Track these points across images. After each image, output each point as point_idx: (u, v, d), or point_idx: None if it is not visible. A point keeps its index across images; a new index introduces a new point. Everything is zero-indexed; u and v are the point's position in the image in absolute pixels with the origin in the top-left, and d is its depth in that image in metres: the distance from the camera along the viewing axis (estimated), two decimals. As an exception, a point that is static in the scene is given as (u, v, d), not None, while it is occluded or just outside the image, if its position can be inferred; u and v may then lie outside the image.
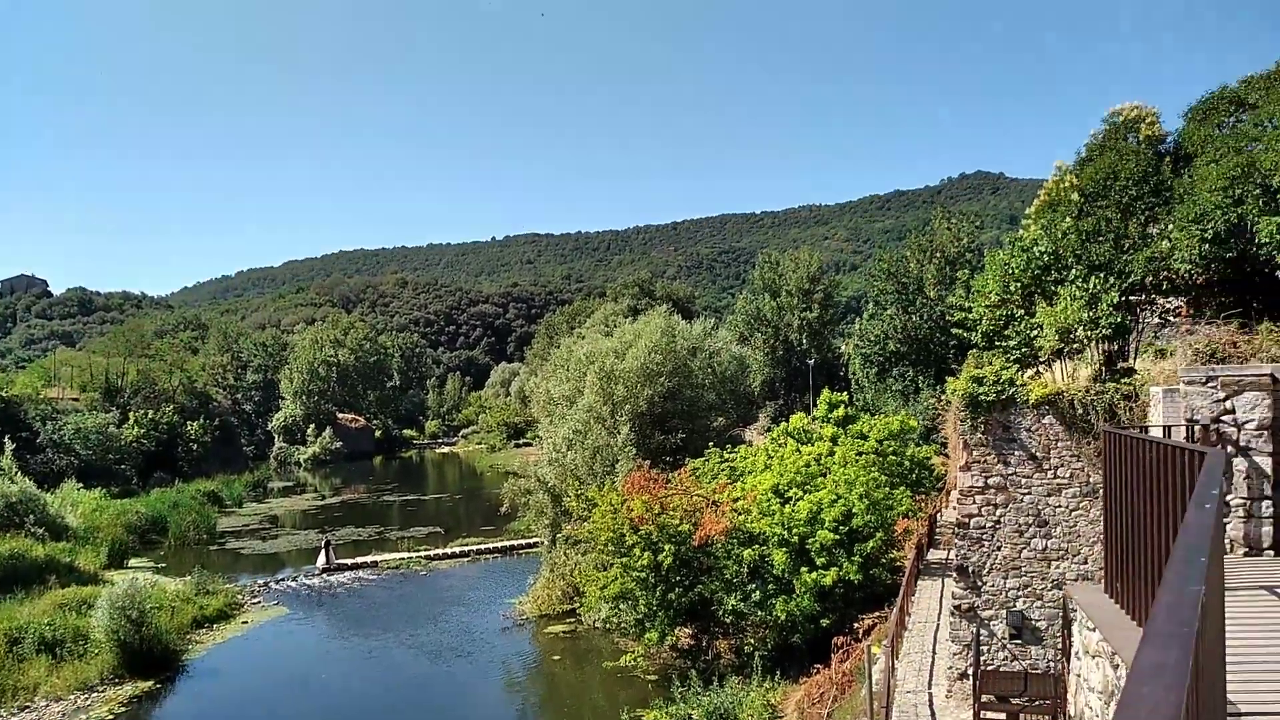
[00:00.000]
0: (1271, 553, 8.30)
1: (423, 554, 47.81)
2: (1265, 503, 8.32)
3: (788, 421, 38.65)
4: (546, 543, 40.09)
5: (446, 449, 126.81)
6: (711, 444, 39.97)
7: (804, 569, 25.75)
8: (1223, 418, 8.31)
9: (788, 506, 27.23)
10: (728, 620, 27.38)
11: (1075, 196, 20.82)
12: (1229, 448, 8.33)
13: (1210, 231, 18.37)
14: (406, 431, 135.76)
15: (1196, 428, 8.12)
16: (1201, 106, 22.08)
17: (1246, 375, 8.27)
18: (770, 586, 26.53)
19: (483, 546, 49.85)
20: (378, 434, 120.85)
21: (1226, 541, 8.42)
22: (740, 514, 28.23)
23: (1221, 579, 4.79)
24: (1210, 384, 8.34)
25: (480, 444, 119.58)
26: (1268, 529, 8.32)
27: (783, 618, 25.65)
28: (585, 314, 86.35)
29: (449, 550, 49.21)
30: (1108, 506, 7.75)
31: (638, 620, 27.78)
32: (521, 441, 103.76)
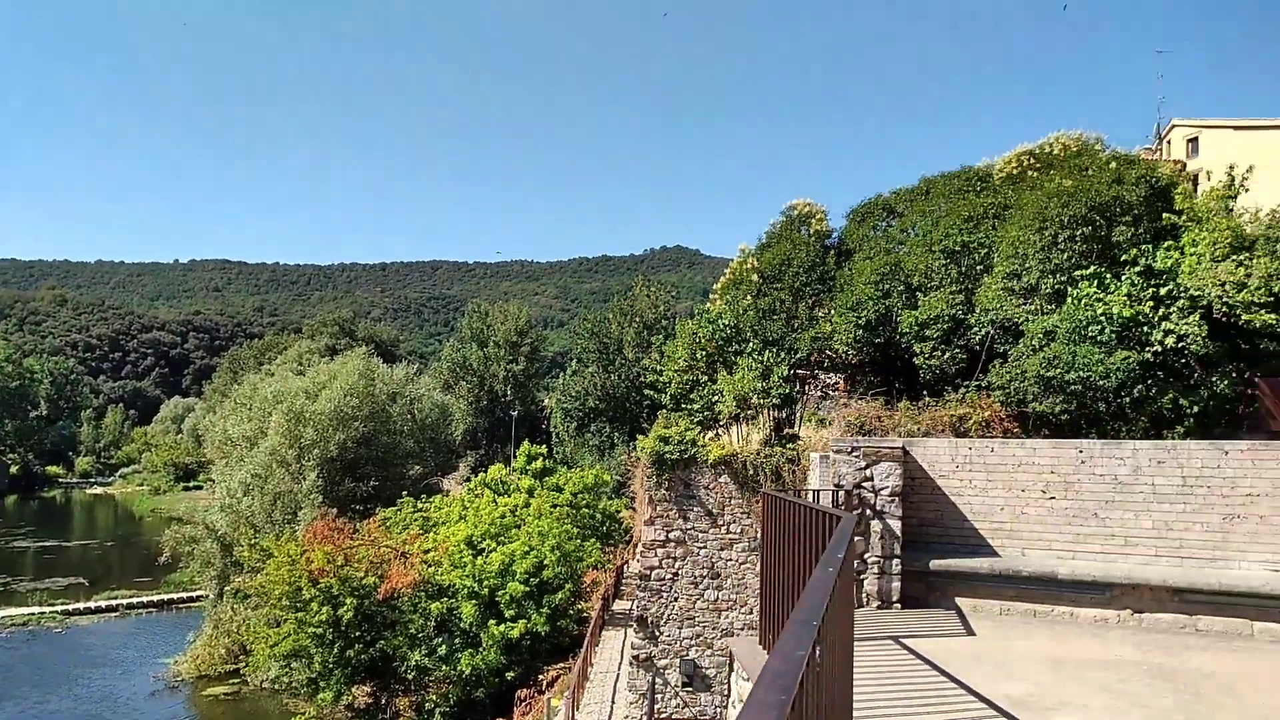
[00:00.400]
0: (899, 605, 9.45)
1: (59, 608, 41.81)
2: (895, 561, 9.51)
3: (486, 472, 38.51)
4: (212, 596, 36.67)
5: (100, 489, 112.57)
6: (406, 493, 38.79)
7: (492, 621, 25.57)
8: (863, 484, 9.45)
9: (480, 558, 27.00)
10: (410, 677, 26.45)
11: (755, 278, 22.96)
12: (868, 511, 9.48)
13: (864, 319, 20.95)
14: (52, 468, 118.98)
15: (841, 492, 9.16)
16: (860, 210, 25.40)
17: (883, 447, 9.48)
18: (457, 640, 26.04)
19: (136, 600, 44.57)
20: (14, 469, 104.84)
21: (863, 595, 9.52)
22: (431, 565, 27.55)
23: (850, 632, 5.44)
24: (854, 453, 9.46)
25: (142, 485, 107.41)
26: (897, 584, 9.50)
27: (468, 672, 25.23)
28: (278, 349, 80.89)
29: (93, 604, 43.45)
30: (763, 562, 8.53)
31: (311, 679, 26.03)
32: (191, 484, 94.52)
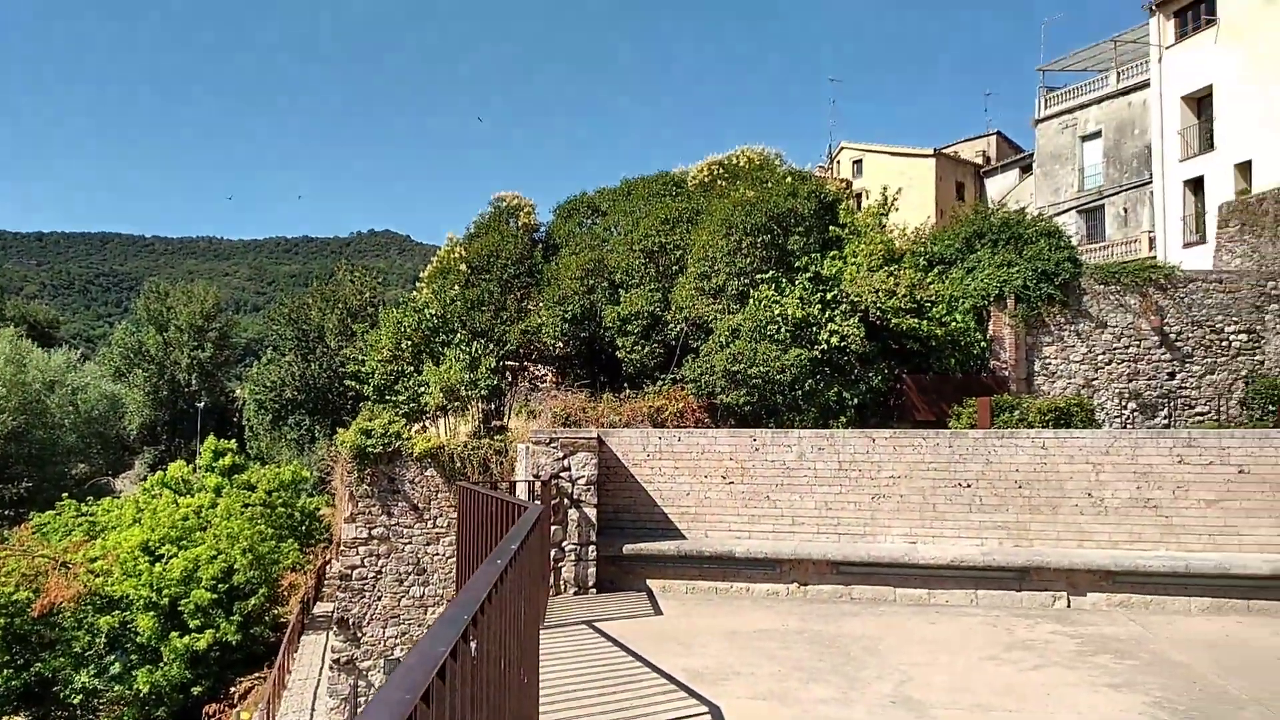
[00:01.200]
0: (595, 590, 9.90)
1: None
2: (591, 547, 9.94)
3: (166, 470, 35.12)
4: None
5: None
6: (67, 495, 34.41)
7: (175, 633, 23.45)
8: (561, 474, 9.79)
9: (159, 565, 24.62)
10: (76, 701, 23.60)
11: (464, 268, 22.86)
12: (566, 500, 9.84)
13: (570, 313, 21.56)
14: None
15: (538, 483, 9.45)
16: (567, 206, 26.10)
17: (579, 438, 9.88)
18: (133, 656, 23.61)
19: None
20: None
21: (561, 582, 9.88)
22: (99, 576, 24.72)
23: (535, 621, 5.66)
24: (552, 444, 9.78)
25: None
26: (593, 570, 9.94)
27: (146, 690, 22.97)
28: (-103, 332, 68.30)
29: None
30: (459, 556, 8.61)
31: (-58, 717, 22.44)
32: None
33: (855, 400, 19.91)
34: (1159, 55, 30.62)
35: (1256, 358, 20.61)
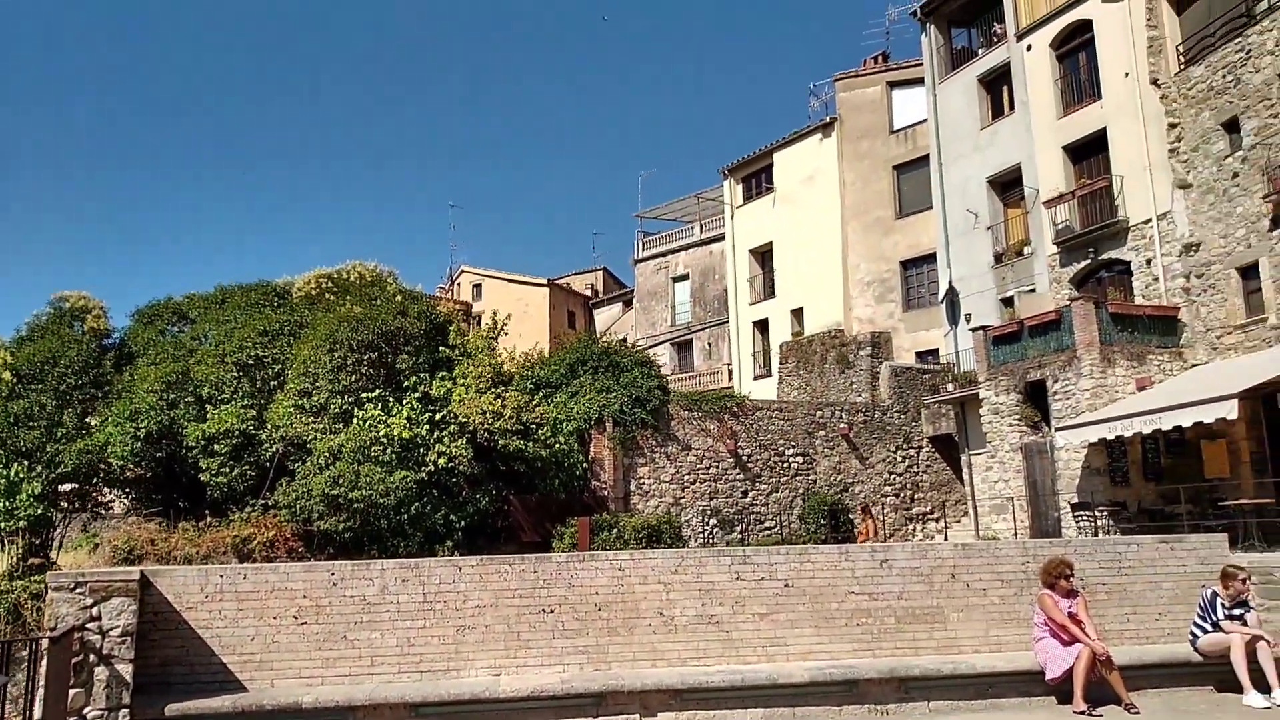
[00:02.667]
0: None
1: None
2: (123, 711, 8.43)
3: None
4: None
5: None
6: None
7: None
8: (89, 625, 8.29)
9: None
10: None
11: (8, 375, 19.46)
12: (92, 656, 8.30)
13: (144, 430, 19.12)
14: None
15: (45, 640, 7.90)
16: (149, 310, 23.48)
17: (115, 580, 8.48)
18: None
19: None
20: None
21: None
22: None
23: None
24: (79, 589, 8.28)
25: None
26: (136, 733, 8.40)
27: None
28: None
29: None
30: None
31: None
32: None
33: (463, 523, 19.61)
34: (731, 213, 35.32)
35: (810, 477, 23.65)
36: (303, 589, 9.46)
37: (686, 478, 22.17)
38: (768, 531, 22.40)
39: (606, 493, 21.36)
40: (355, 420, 18.79)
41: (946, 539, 23.26)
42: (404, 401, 19.30)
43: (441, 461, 18.85)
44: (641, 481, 21.77)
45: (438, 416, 19.25)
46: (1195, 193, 19.82)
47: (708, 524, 22.11)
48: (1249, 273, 18.57)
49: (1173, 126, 20.36)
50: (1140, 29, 20.97)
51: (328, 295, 22.52)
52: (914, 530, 24.41)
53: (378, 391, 19.21)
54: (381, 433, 18.43)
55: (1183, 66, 20.31)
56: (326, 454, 18.53)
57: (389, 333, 19.58)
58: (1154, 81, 20.70)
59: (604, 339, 31.45)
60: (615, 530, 19.25)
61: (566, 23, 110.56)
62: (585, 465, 21.29)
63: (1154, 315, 19.85)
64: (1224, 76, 19.12)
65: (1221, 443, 18.36)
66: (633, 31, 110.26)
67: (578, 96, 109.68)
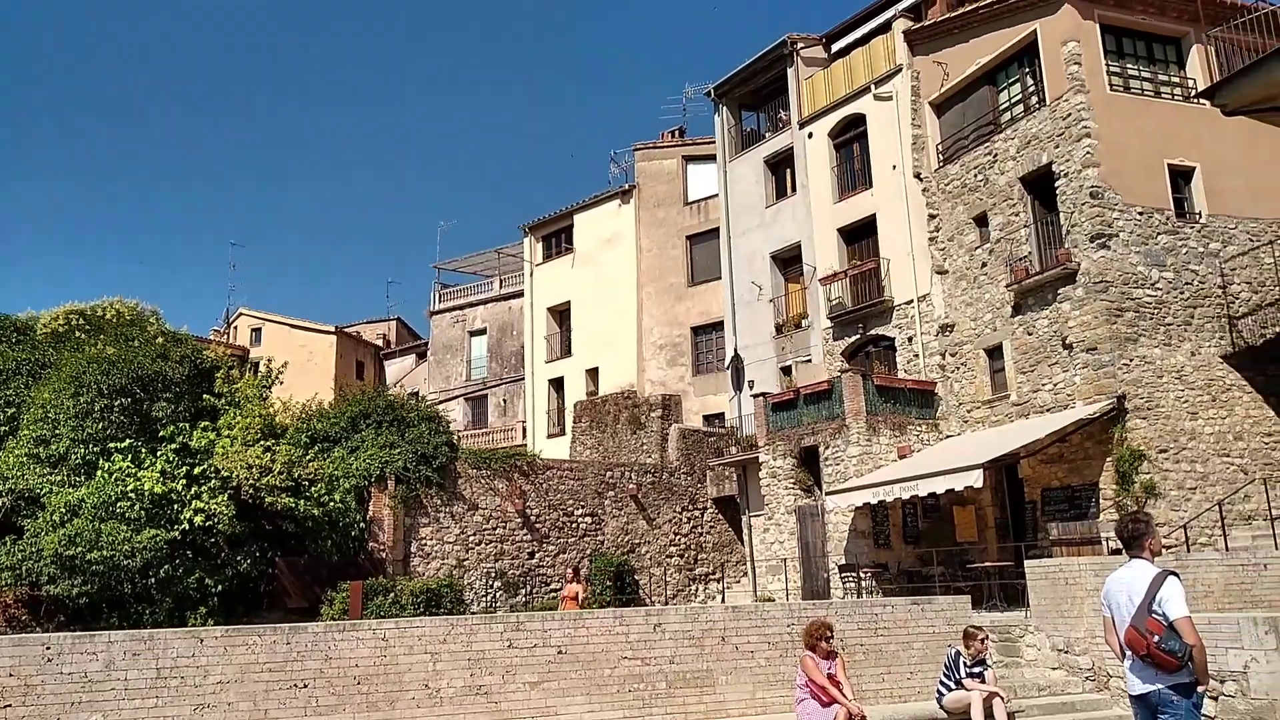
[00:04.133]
0: None
1: None
2: None
3: None
4: None
5: None
6: None
7: None
8: None
9: None
10: None
11: None
12: None
13: None
14: None
15: None
16: None
17: None
18: None
19: None
20: None
21: None
22: None
23: None
24: None
25: None
26: None
27: None
28: None
29: None
30: None
31: None
32: None
33: (220, 587, 18.09)
34: (531, 270, 35.38)
35: (599, 537, 23.61)
36: (9, 666, 8.27)
37: (472, 538, 21.53)
38: (554, 593, 22.05)
39: (385, 554, 20.34)
40: (100, 472, 17.01)
41: (724, 599, 23.81)
42: (159, 453, 17.69)
43: (198, 519, 17.37)
44: (424, 542, 20.91)
45: (197, 470, 17.77)
46: (951, 278, 21.76)
47: (491, 587, 21.51)
48: (994, 353, 20.49)
49: (932, 217, 22.34)
50: (906, 127, 22.98)
51: (78, 333, 20.44)
52: (696, 591, 24.83)
53: (128, 441, 17.51)
54: (130, 486, 16.78)
55: (942, 164, 22.41)
56: (63, 509, 16.63)
57: (146, 377, 17.95)
58: (917, 175, 22.69)
59: (395, 391, 30.33)
60: (391, 595, 18.30)
61: (367, 59, 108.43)
62: (363, 525, 20.22)
63: (914, 388, 21.45)
64: (975, 175, 21.25)
65: (970, 509, 19.95)
66: (440, 78, 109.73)
67: (380, 134, 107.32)
